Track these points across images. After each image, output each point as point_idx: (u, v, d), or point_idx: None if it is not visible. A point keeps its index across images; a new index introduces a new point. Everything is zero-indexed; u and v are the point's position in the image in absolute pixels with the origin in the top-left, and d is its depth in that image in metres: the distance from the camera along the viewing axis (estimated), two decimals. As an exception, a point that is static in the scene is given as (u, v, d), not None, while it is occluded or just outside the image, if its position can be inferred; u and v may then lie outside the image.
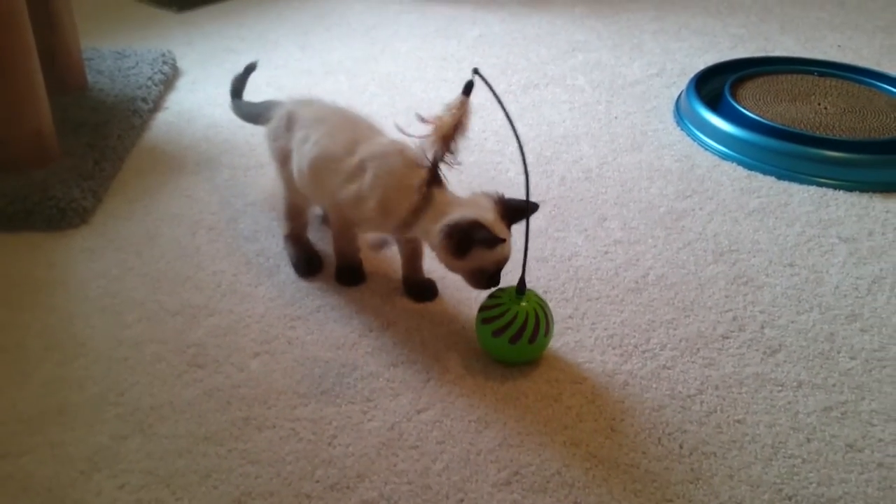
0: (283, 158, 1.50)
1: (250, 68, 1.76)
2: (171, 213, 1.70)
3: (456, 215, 1.27)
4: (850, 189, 1.79)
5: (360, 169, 1.36)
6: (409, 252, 1.46)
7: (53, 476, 1.12)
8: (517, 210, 1.30)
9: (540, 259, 1.56)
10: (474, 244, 1.25)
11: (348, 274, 1.50)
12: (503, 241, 1.26)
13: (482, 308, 1.31)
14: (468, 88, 1.25)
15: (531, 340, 1.26)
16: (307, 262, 1.52)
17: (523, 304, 1.27)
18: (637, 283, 1.50)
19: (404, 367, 1.31)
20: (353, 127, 1.46)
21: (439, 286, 1.48)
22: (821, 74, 2.20)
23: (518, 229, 1.55)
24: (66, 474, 1.12)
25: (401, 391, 1.26)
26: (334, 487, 1.11)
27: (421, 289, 1.47)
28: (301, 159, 1.44)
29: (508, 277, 1.51)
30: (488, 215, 1.27)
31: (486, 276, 1.31)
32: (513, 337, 1.26)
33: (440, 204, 1.30)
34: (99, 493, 1.10)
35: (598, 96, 2.23)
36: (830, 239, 1.63)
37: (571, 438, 1.18)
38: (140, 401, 1.24)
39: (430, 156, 1.28)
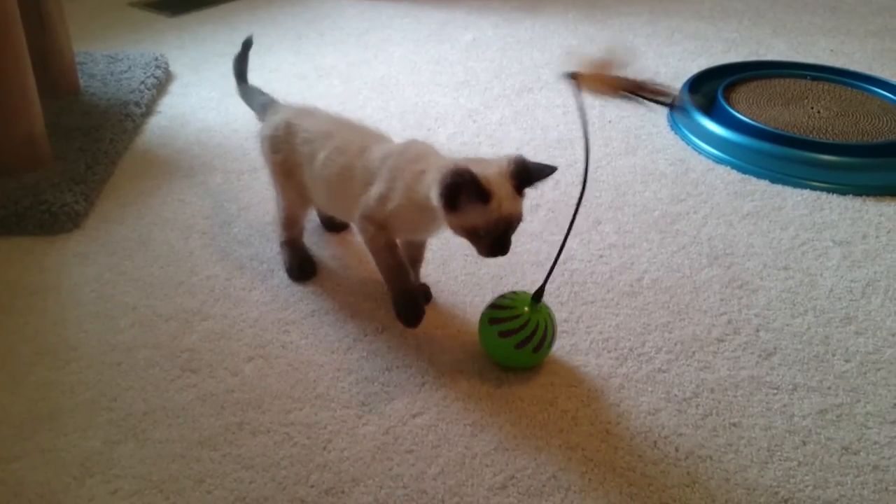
0: (285, 171, 1.47)
1: (247, 44, 1.68)
2: (164, 217, 1.69)
3: (452, 165, 1.19)
4: (843, 192, 1.79)
5: (377, 169, 1.32)
6: (410, 259, 1.45)
7: (45, 482, 1.11)
8: (531, 172, 1.21)
9: (535, 263, 1.55)
10: (460, 194, 1.16)
11: (408, 305, 1.31)
12: (487, 192, 1.16)
13: (493, 307, 1.30)
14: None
15: (535, 349, 1.26)
16: (301, 266, 1.51)
17: (536, 313, 1.26)
18: (632, 286, 1.50)
19: (399, 371, 1.30)
20: (360, 135, 1.43)
21: (434, 291, 1.48)
22: (813, 78, 2.21)
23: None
24: (58, 480, 1.11)
25: (396, 395, 1.26)
26: (329, 492, 1.10)
27: None
28: (314, 177, 1.41)
29: (512, 280, 1.50)
30: (490, 170, 1.19)
31: (486, 240, 1.20)
32: (520, 343, 1.25)
33: (446, 163, 1.23)
34: (92, 499, 1.09)
35: (591, 100, 2.22)
36: (824, 242, 1.63)
37: (567, 442, 1.18)
38: (133, 406, 1.23)
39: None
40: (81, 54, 2.27)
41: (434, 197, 1.20)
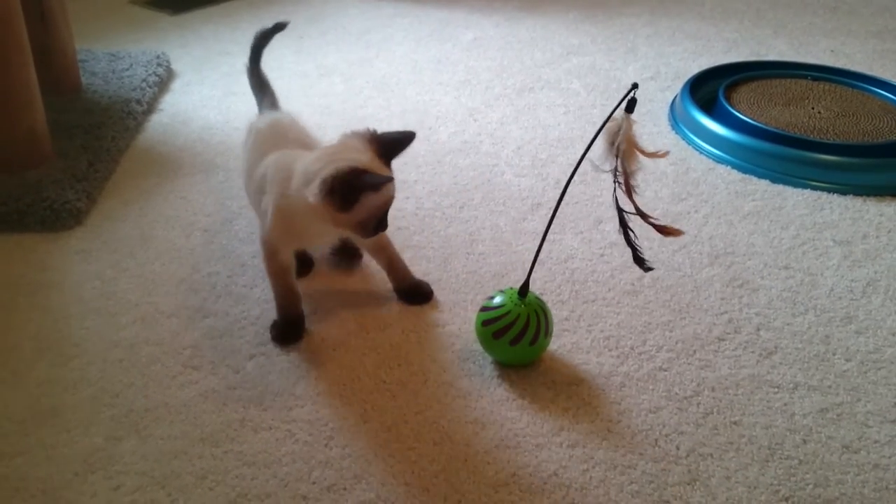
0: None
1: (280, 26, 1.66)
2: (166, 214, 1.70)
3: (330, 167, 1.17)
4: (843, 192, 1.79)
5: (263, 180, 1.31)
6: (386, 263, 1.43)
7: (47, 478, 1.11)
8: (393, 143, 1.23)
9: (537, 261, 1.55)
10: (362, 191, 1.17)
11: (285, 332, 1.35)
12: (391, 179, 1.20)
13: (483, 309, 1.30)
14: (631, 106, 1.16)
15: (532, 342, 1.26)
16: (300, 264, 1.51)
17: (524, 306, 1.27)
18: (633, 285, 1.51)
19: (401, 368, 1.31)
20: (272, 130, 1.41)
21: (435, 289, 1.48)
22: (814, 79, 2.21)
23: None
24: (60, 476, 1.11)
25: (397, 392, 1.26)
26: (331, 489, 1.10)
27: (414, 292, 1.45)
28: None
29: (514, 278, 1.51)
30: (363, 157, 1.20)
31: (374, 224, 1.24)
32: (514, 339, 1.26)
33: (309, 162, 1.22)
34: (94, 495, 1.09)
35: (592, 100, 2.23)
36: (825, 242, 1.63)
37: (568, 440, 1.18)
38: (135, 402, 1.24)
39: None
40: (83, 52, 2.27)
41: (318, 200, 1.18)
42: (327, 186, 1.16)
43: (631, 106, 1.15)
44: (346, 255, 1.54)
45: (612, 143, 1.17)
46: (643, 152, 1.17)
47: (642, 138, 2.04)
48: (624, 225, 1.21)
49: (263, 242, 1.34)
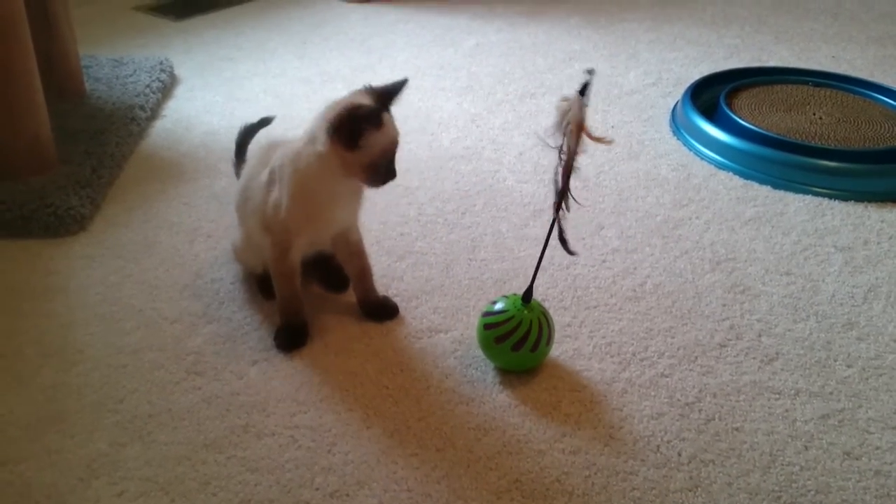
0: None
1: (265, 121, 1.67)
2: (170, 220, 1.70)
3: (332, 112, 1.23)
4: (845, 199, 1.80)
5: (273, 174, 1.31)
6: (357, 271, 1.42)
7: (52, 483, 1.12)
8: (389, 91, 1.27)
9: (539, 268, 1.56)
10: (363, 126, 1.21)
11: (289, 337, 1.37)
12: (382, 108, 1.23)
13: (485, 314, 1.31)
14: (584, 89, 1.19)
15: (533, 349, 1.27)
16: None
17: (527, 312, 1.27)
18: (635, 291, 1.51)
19: (403, 374, 1.31)
20: (271, 145, 1.40)
21: (437, 295, 1.48)
22: (816, 85, 2.22)
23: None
24: (64, 481, 1.12)
25: (400, 398, 1.26)
26: (334, 495, 1.10)
27: (378, 308, 1.43)
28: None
29: (516, 284, 1.51)
30: (363, 100, 1.24)
31: (382, 168, 1.26)
32: (515, 344, 1.26)
33: (312, 125, 1.26)
34: (98, 501, 1.09)
35: (594, 106, 2.22)
36: (826, 248, 1.64)
37: (570, 446, 1.18)
38: (139, 408, 1.24)
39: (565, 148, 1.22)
40: (87, 58, 2.28)
41: (327, 145, 1.22)
42: (333, 126, 1.21)
43: (584, 90, 1.18)
44: (335, 282, 1.51)
45: (561, 122, 1.20)
46: (589, 136, 1.20)
47: (643, 138, 2.05)
48: (559, 202, 1.24)
49: (271, 233, 1.32)
